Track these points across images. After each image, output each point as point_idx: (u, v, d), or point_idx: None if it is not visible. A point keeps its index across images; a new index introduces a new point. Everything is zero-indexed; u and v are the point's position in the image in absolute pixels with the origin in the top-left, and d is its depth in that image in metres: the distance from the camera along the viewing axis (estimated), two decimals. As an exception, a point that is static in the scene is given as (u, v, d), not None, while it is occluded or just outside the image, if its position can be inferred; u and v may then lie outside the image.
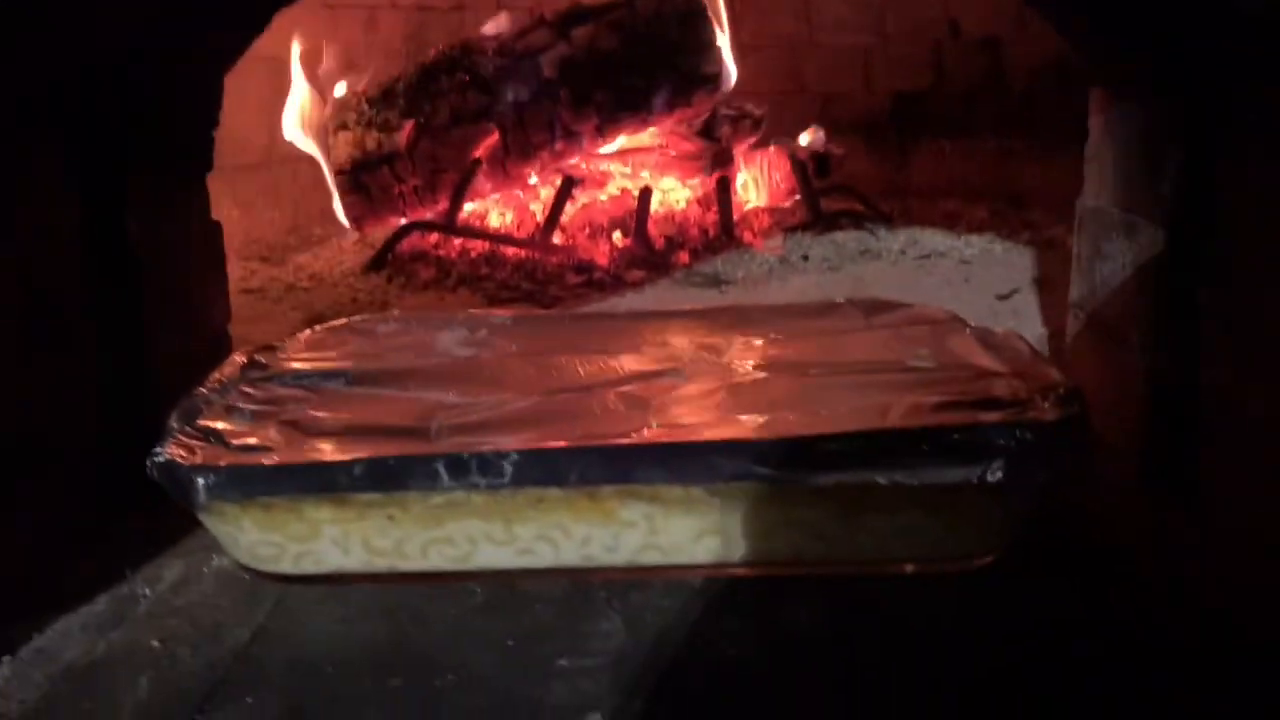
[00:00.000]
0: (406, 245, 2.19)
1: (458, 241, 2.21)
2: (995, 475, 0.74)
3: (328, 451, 0.82)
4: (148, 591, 0.84)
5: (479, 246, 2.19)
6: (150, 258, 1.03)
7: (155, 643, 0.76)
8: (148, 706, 0.68)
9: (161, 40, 1.03)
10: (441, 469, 0.77)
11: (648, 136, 2.38)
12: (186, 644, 0.76)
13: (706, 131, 2.37)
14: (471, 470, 0.76)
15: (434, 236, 2.20)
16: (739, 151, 2.44)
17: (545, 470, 0.76)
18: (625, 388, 0.97)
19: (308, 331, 1.17)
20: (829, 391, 0.94)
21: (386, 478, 0.78)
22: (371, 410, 0.94)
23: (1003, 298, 1.90)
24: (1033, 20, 2.65)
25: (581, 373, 1.04)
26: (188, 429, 0.84)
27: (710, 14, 2.23)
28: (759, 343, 1.11)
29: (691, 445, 0.78)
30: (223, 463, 0.79)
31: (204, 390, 0.93)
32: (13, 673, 0.73)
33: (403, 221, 2.21)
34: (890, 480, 0.75)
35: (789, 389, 0.95)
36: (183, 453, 0.80)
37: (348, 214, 2.21)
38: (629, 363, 1.06)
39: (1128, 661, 0.70)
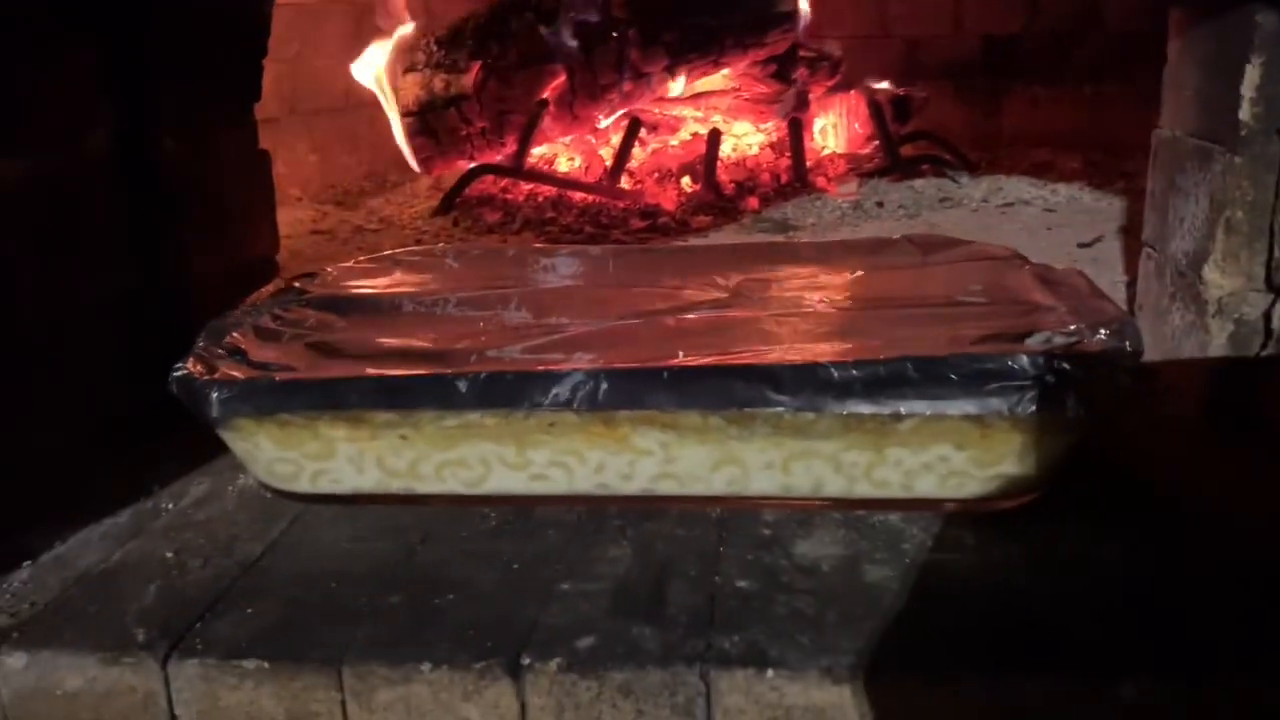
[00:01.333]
0: (474, 189, 2.19)
1: (525, 186, 2.20)
2: (1026, 408, 0.70)
3: (343, 372, 0.82)
4: (170, 506, 0.85)
5: (546, 191, 2.17)
6: (187, 178, 1.04)
7: (169, 554, 0.77)
8: (153, 612, 0.69)
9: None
10: (440, 387, 0.76)
11: (720, 79, 2.32)
12: (199, 556, 0.76)
13: (782, 74, 2.30)
14: (464, 390, 0.75)
15: (502, 180, 2.19)
16: (815, 95, 2.36)
17: (543, 391, 0.74)
18: (665, 319, 0.94)
19: (351, 261, 1.17)
20: (872, 324, 0.89)
21: (393, 395, 0.77)
22: (401, 334, 0.93)
23: (1084, 245, 1.81)
24: (1133, -44, 2.51)
25: (623, 304, 1.01)
26: (212, 347, 0.85)
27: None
28: (810, 277, 1.08)
29: (704, 370, 0.74)
30: (240, 377, 0.79)
31: (237, 312, 0.94)
32: (30, 577, 0.74)
33: (471, 165, 2.20)
34: (912, 412, 0.71)
35: (831, 321, 0.92)
36: (201, 368, 0.80)
37: (415, 157, 2.21)
38: (673, 295, 1.03)
39: (1175, 608, 0.65)
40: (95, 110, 0.95)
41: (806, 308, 0.96)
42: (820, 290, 1.02)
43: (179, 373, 0.79)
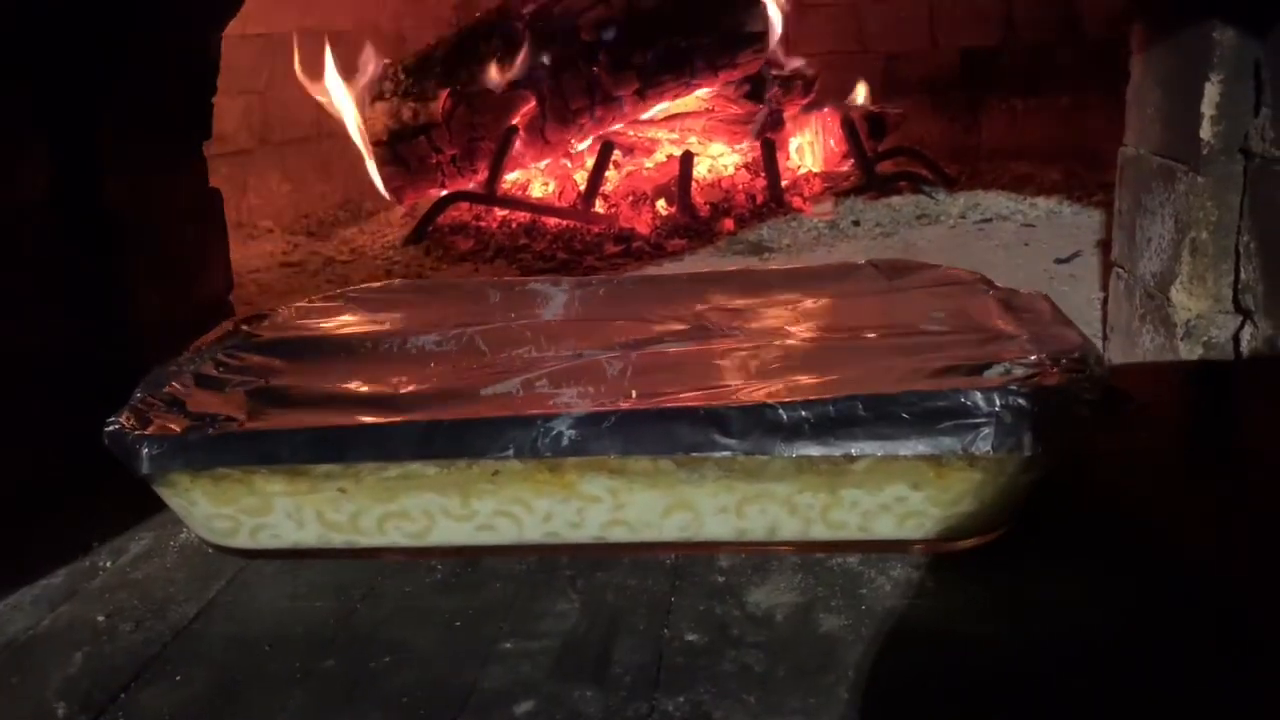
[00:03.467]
0: (446, 217, 2.17)
1: (498, 212, 2.18)
2: (981, 446, 0.67)
3: (284, 422, 0.79)
4: (108, 564, 0.82)
5: (519, 217, 2.15)
6: (134, 219, 1.01)
7: (101, 617, 0.74)
8: (76, 683, 0.66)
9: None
10: (373, 441, 0.73)
11: (694, 100, 2.31)
12: (131, 619, 0.73)
13: (755, 94, 2.29)
14: (395, 442, 0.72)
15: (475, 207, 2.17)
16: (790, 114, 2.35)
17: (474, 441, 0.71)
18: (627, 354, 0.92)
19: (304, 301, 1.14)
20: (834, 356, 0.87)
21: (329, 447, 0.74)
22: (349, 379, 0.90)
23: (1062, 261, 1.80)
24: (1107, -34, 2.50)
25: (583, 338, 0.99)
26: (149, 397, 0.82)
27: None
28: (775, 306, 1.05)
29: (649, 413, 0.72)
30: (173, 431, 0.76)
31: (180, 358, 0.91)
32: (-45, 646, 0.71)
33: (442, 193, 2.18)
34: (864, 453, 0.68)
35: (793, 354, 0.89)
36: (134, 421, 0.77)
37: (387, 187, 2.19)
38: (635, 328, 1.01)
39: (1145, 654, 0.62)
40: (28, 151, 0.93)
41: (770, 339, 0.94)
42: (783, 320, 1.00)
43: (110, 427, 0.76)
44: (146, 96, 1.12)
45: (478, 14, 2.24)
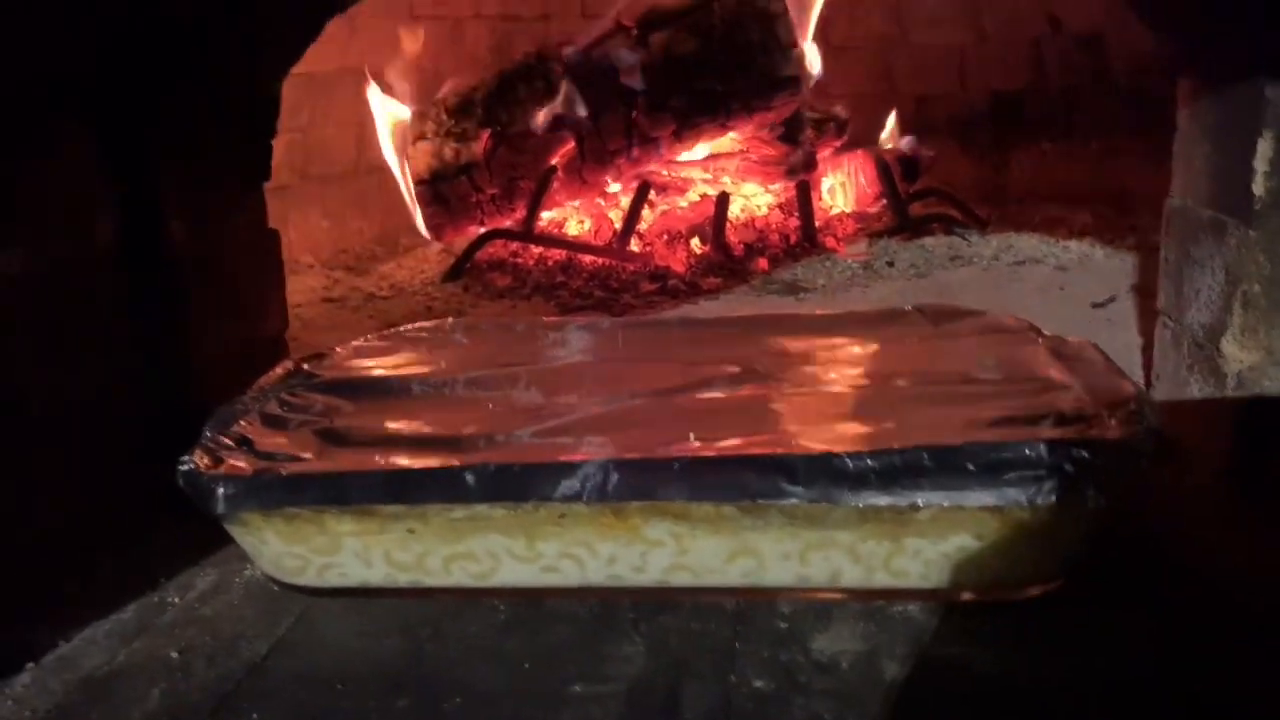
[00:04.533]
0: (485, 254, 2.19)
1: (535, 250, 2.20)
2: (1047, 499, 0.68)
3: (352, 461, 0.81)
4: (176, 600, 0.84)
5: (556, 255, 2.18)
6: (195, 261, 1.04)
7: (174, 653, 0.75)
8: (155, 718, 0.67)
9: (205, 51, 1.04)
10: (448, 481, 0.75)
11: (728, 141, 2.34)
12: (204, 655, 0.75)
13: (789, 136, 2.31)
14: (471, 483, 0.74)
15: (512, 245, 2.20)
16: (823, 155, 2.37)
17: (552, 483, 0.73)
18: (677, 398, 0.93)
19: (360, 340, 1.16)
20: (887, 404, 0.88)
21: (399, 489, 0.76)
22: (410, 418, 0.92)
23: (1098, 305, 1.80)
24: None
25: (633, 382, 1.00)
26: (219, 437, 0.84)
27: (791, 15, 2.17)
28: (821, 350, 1.06)
29: (716, 461, 0.73)
30: (247, 471, 0.78)
31: (244, 397, 0.93)
32: (33, 680, 0.73)
33: (481, 230, 2.21)
34: (929, 503, 0.69)
35: (845, 401, 0.90)
36: (207, 461, 0.79)
37: (427, 225, 2.22)
38: (684, 371, 1.02)
39: (1207, 698, 0.63)
40: (98, 199, 0.96)
41: (820, 386, 0.95)
42: (832, 365, 1.01)
43: (185, 467, 0.78)
44: (209, 143, 1.15)
45: (517, 56, 2.28)
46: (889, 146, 2.41)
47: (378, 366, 1.08)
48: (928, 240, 2.28)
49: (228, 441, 0.83)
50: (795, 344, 1.09)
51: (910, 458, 0.70)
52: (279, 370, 1.01)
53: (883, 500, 0.70)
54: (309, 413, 0.92)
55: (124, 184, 0.97)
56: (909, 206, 2.32)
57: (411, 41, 2.55)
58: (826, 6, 2.63)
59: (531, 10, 2.87)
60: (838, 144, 2.41)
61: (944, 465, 0.69)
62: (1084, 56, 2.65)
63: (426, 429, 0.89)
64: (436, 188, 2.18)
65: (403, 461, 0.80)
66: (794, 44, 2.17)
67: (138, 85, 0.97)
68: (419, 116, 2.20)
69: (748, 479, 0.71)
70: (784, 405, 0.90)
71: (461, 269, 2.14)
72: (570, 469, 0.74)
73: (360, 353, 1.12)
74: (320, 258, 2.52)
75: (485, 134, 2.12)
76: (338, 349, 1.12)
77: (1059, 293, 1.96)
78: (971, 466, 0.69)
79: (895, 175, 2.29)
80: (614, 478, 0.73)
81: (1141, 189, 2.69)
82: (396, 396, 0.99)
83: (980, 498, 0.69)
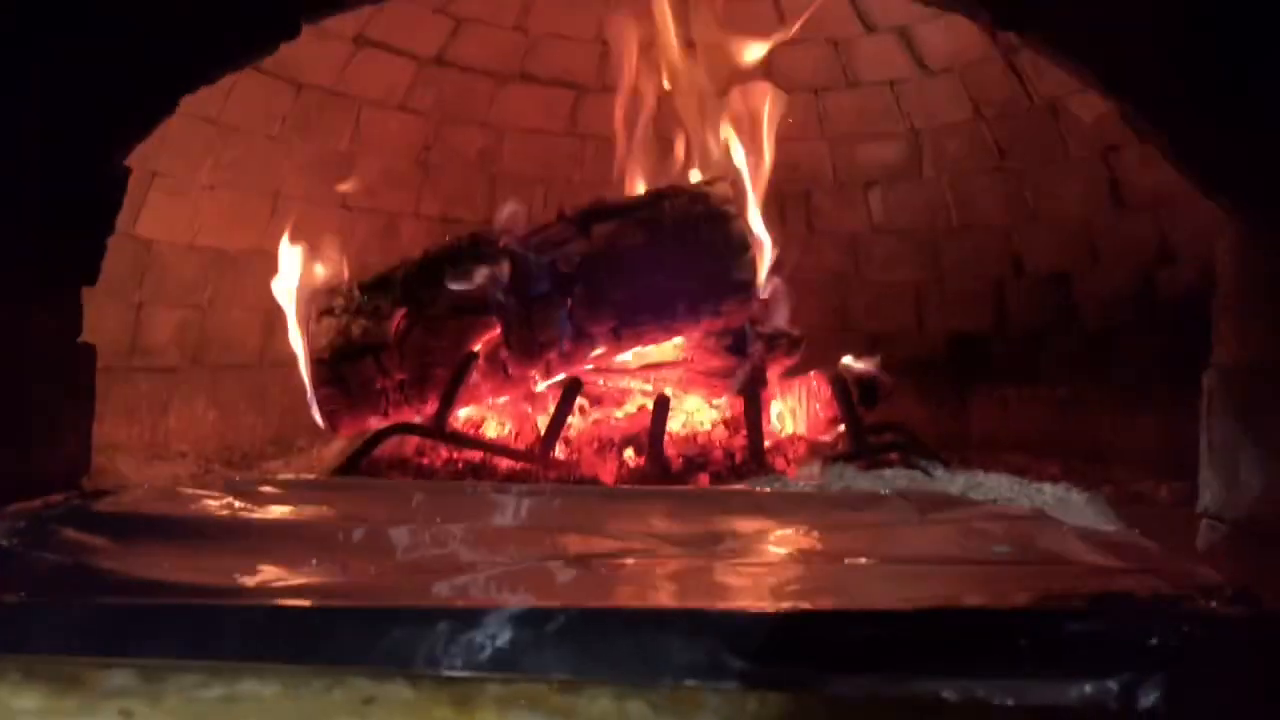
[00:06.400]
0: (387, 450, 1.91)
1: (445, 450, 1.92)
2: (1149, 697, 0.40)
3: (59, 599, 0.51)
4: None
5: (469, 456, 1.90)
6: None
7: None
8: None
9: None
10: (187, 624, 0.45)
11: (671, 349, 2.13)
12: None
13: (737, 347, 2.11)
14: (233, 629, 0.44)
15: (417, 441, 1.92)
16: (773, 374, 2.17)
17: (340, 637, 0.43)
18: (566, 563, 0.65)
19: (150, 485, 0.90)
20: (874, 580, 0.61)
21: (115, 632, 0.46)
22: (191, 565, 0.64)
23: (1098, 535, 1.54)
24: (1107, 252, 2.43)
25: (514, 546, 0.73)
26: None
27: (743, 216, 2.03)
28: (783, 530, 0.80)
29: (616, 614, 0.44)
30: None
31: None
32: None
33: (384, 423, 1.94)
34: (964, 694, 0.40)
35: (815, 575, 0.63)
36: None
37: (321, 409, 1.94)
38: (589, 540, 0.75)
39: None
40: None
41: (787, 560, 0.67)
42: (799, 544, 0.75)
43: None
44: (14, 226, 0.90)
45: (449, 240, 2.09)
46: (848, 364, 2.22)
47: (175, 509, 0.81)
48: (886, 471, 2.04)
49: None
50: (750, 521, 0.83)
51: (930, 624, 0.41)
52: (38, 502, 0.77)
53: (887, 689, 0.41)
54: (50, 549, 0.65)
55: None
56: (866, 435, 2.09)
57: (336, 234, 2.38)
58: (779, 236, 2.52)
59: (474, 214, 2.72)
60: (789, 363, 2.21)
61: (985, 640, 0.41)
62: (1049, 297, 2.53)
63: (204, 578, 0.61)
64: (337, 368, 1.91)
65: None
66: (747, 248, 2.01)
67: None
68: (328, 292, 1.98)
69: (669, 644, 0.42)
70: (740, 578, 0.63)
71: (356, 465, 1.84)
72: (387, 617, 0.44)
73: (162, 495, 0.87)
74: (199, 450, 2.21)
75: (400, 312, 1.89)
76: (135, 488, 0.88)
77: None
78: (1025, 642, 0.41)
79: (853, 397, 2.08)
80: (460, 635, 0.43)
81: (1114, 440, 2.51)
82: (184, 541, 0.72)
83: (1043, 690, 0.41)
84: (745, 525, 0.82)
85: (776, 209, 2.67)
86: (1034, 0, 1.12)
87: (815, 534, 0.79)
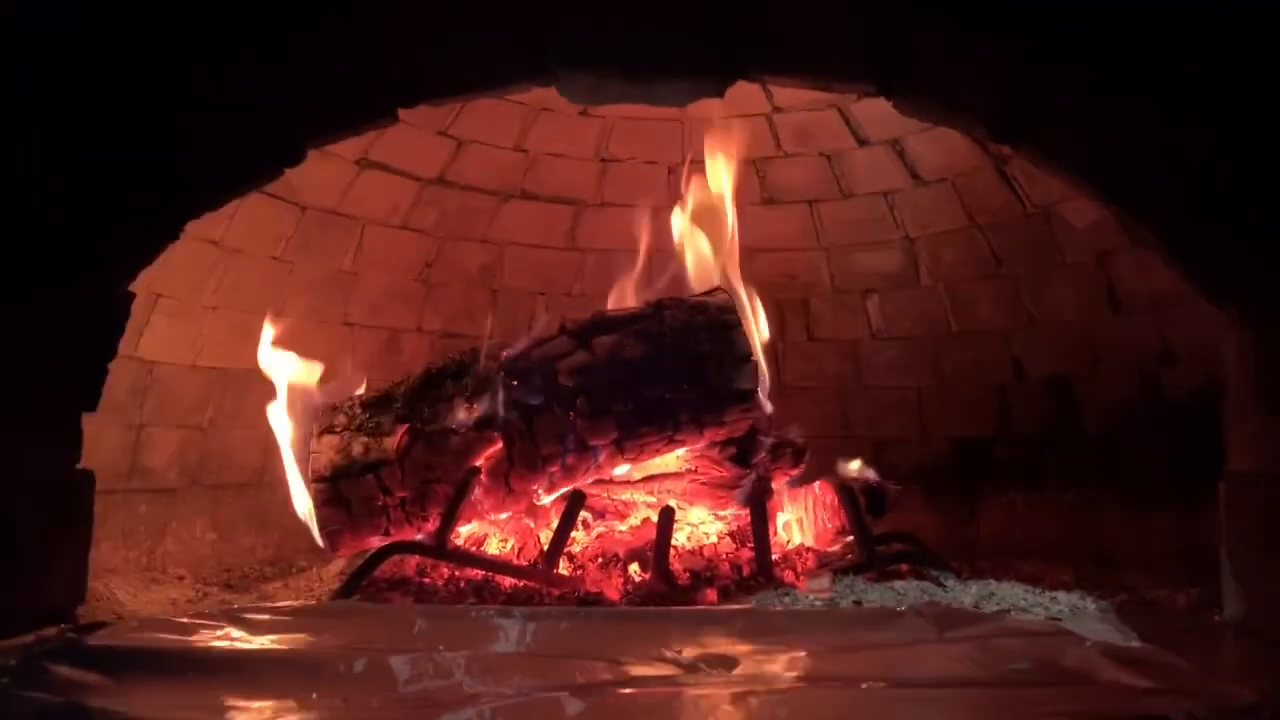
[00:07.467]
0: (387, 570, 1.87)
1: (447, 569, 1.89)
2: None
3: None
4: None
5: (471, 574, 1.86)
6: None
7: None
8: None
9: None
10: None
11: (675, 460, 2.11)
12: None
13: (742, 457, 2.09)
14: None
15: (418, 560, 1.89)
16: (778, 483, 2.14)
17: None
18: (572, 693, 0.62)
19: (147, 616, 0.87)
20: (891, 707, 0.59)
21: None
22: (185, 706, 0.61)
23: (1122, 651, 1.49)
24: (1108, 355, 2.42)
25: (520, 676, 0.70)
26: None
27: (745, 326, 2.04)
28: (794, 653, 0.78)
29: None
30: None
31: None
32: None
33: (384, 543, 1.90)
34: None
35: (832, 703, 0.60)
36: None
37: (322, 529, 1.91)
38: (594, 667, 0.72)
39: None
40: None
41: (790, 687, 0.64)
42: (812, 669, 0.72)
43: None
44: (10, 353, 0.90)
45: (451, 355, 2.09)
46: (853, 475, 2.19)
47: (174, 642, 0.78)
48: (898, 583, 2.00)
49: None
50: (758, 644, 0.81)
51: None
52: (31, 636, 0.75)
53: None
54: (42, 688, 0.63)
55: None
56: (875, 545, 2.05)
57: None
58: (780, 343, 2.52)
59: (477, 329, 2.73)
60: (794, 473, 2.19)
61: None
62: (1052, 401, 2.52)
63: (197, 715, 0.58)
64: (338, 487, 1.89)
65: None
66: (749, 356, 2.01)
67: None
68: (329, 410, 1.97)
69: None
70: (742, 709, 0.60)
71: (356, 585, 1.81)
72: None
73: (159, 626, 0.84)
74: (197, 573, 2.17)
75: (402, 429, 1.87)
76: (129, 620, 0.85)
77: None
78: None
79: (861, 507, 2.05)
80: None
81: (1125, 545, 2.46)
82: (181, 677, 0.70)
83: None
84: (757, 647, 0.80)
85: (776, 318, 2.69)
86: (1025, 113, 1.14)
87: (830, 656, 0.76)
